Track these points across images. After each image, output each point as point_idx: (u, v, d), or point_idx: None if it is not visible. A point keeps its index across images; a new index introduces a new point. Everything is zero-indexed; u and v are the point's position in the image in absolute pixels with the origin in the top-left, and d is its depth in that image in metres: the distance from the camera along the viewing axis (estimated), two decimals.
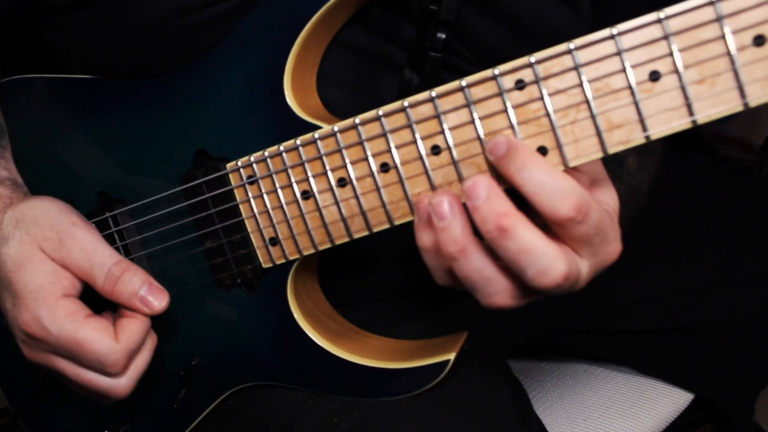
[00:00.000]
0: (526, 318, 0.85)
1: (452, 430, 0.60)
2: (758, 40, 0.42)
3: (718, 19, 0.43)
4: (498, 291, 0.47)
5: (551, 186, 0.44)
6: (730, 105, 0.44)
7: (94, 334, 0.55)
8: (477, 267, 0.46)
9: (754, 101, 0.44)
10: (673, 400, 0.96)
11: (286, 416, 0.65)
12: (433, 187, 0.52)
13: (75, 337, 0.55)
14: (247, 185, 0.59)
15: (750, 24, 0.42)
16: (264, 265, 0.61)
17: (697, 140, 1.96)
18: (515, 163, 0.45)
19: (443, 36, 0.56)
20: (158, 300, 0.58)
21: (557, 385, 0.96)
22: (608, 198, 0.50)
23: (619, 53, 0.45)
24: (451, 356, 0.58)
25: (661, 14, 0.44)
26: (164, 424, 0.71)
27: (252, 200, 0.59)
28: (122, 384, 0.59)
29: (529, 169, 0.44)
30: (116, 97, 0.66)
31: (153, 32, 0.57)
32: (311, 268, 0.65)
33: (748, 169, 1.86)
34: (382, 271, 0.72)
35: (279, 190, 0.57)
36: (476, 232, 0.47)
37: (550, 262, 0.44)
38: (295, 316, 0.61)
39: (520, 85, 0.48)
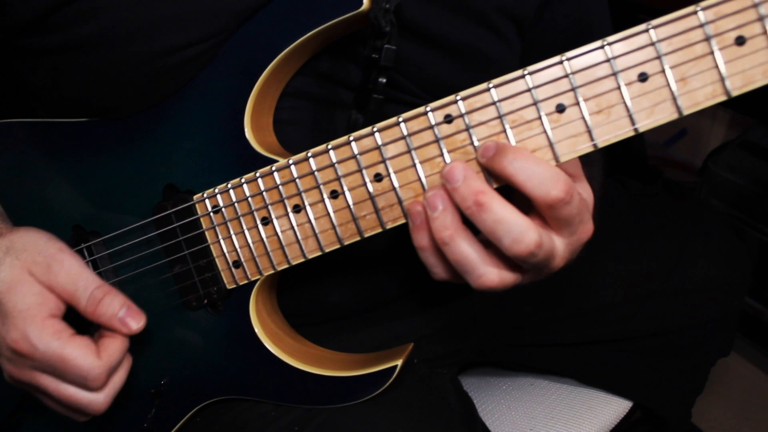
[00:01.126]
0: (472, 334, 0.92)
1: (398, 427, 0.67)
2: (642, 77, 0.51)
3: (608, 60, 0.51)
4: (486, 272, 0.53)
5: (541, 172, 0.51)
6: (624, 131, 0.52)
7: (78, 351, 0.60)
8: (465, 249, 0.53)
9: (642, 127, 0.52)
10: (613, 407, 1.03)
11: (252, 428, 0.70)
12: (377, 210, 0.59)
13: (60, 354, 0.60)
14: (212, 214, 0.65)
15: (635, 63, 0.51)
16: (228, 286, 0.67)
17: (642, 165, 2.08)
18: (506, 158, 0.52)
19: (384, 80, 0.64)
20: (136, 321, 0.64)
21: (505, 398, 1.02)
22: (584, 191, 0.58)
23: (529, 90, 0.53)
24: (399, 362, 0.64)
25: (563, 57, 0.52)
26: None
27: (217, 227, 0.65)
28: (100, 399, 0.63)
29: (519, 160, 0.51)
30: (89, 139, 0.71)
31: (126, 74, 0.63)
32: (270, 290, 0.71)
33: (689, 191, 1.98)
34: (330, 294, 0.78)
35: (241, 218, 0.64)
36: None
37: (522, 231, 0.51)
38: (258, 332, 0.67)
39: (448, 119, 0.55)
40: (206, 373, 0.71)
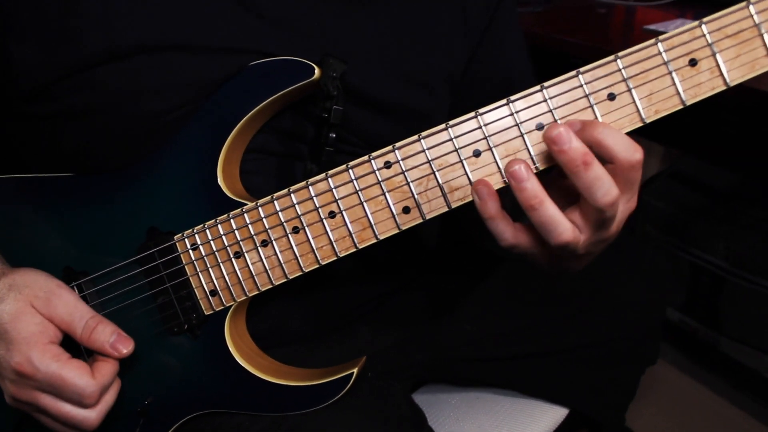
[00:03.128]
0: (418, 351, 1.03)
1: (355, 429, 0.77)
2: (539, 126, 0.64)
3: (512, 114, 0.64)
4: (565, 228, 0.63)
5: (626, 139, 0.61)
6: None
7: (75, 372, 0.70)
8: (551, 211, 0.62)
9: (541, 167, 0.65)
10: (552, 414, 1.13)
11: None
12: (332, 242, 0.70)
13: (60, 374, 0.70)
14: (191, 251, 0.76)
15: (533, 116, 0.64)
16: (206, 312, 0.77)
17: None
18: (596, 128, 0.61)
19: (334, 135, 0.76)
20: (124, 346, 0.74)
21: (454, 411, 1.12)
22: None
23: (451, 139, 0.66)
24: (354, 370, 0.75)
25: (477, 112, 0.65)
26: None
27: (195, 262, 0.76)
28: (93, 416, 0.73)
29: (607, 129, 0.61)
30: (78, 191, 0.80)
31: (118, 134, 0.74)
32: (241, 315, 0.81)
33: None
34: (289, 321, 0.88)
35: (216, 253, 0.75)
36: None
37: (611, 185, 0.61)
38: (232, 352, 0.78)
39: (387, 164, 0.68)
40: (187, 390, 0.81)
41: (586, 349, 1.11)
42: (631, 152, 0.61)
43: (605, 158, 0.61)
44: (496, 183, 0.66)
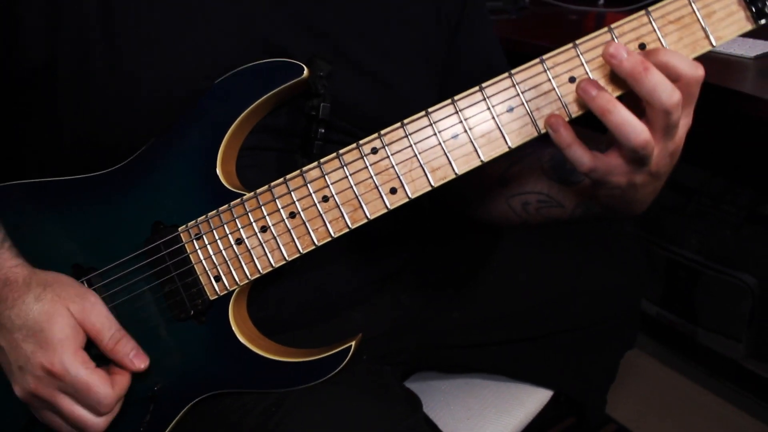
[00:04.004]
0: (409, 337, 1.09)
1: (357, 405, 0.83)
2: (509, 109, 0.71)
3: (484, 99, 0.71)
4: (642, 129, 0.67)
5: (688, 59, 0.67)
6: (501, 149, 0.73)
7: (100, 381, 0.76)
8: (624, 112, 0.67)
9: (513, 144, 0.72)
10: (537, 396, 1.19)
11: (236, 416, 0.85)
12: (326, 223, 0.77)
13: (86, 381, 0.75)
14: (194, 240, 0.82)
15: (504, 99, 0.71)
16: (211, 298, 0.83)
17: None
18: (660, 52, 0.67)
19: (323, 130, 0.82)
20: (142, 361, 0.81)
21: (444, 396, 1.17)
22: None
23: (431, 124, 0.73)
24: (352, 343, 0.82)
25: (452, 99, 0.72)
26: None
27: (199, 251, 0.82)
28: (101, 423, 0.79)
29: (670, 52, 0.67)
30: (83, 192, 0.86)
31: (120, 118, 0.80)
32: (243, 300, 0.87)
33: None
34: (286, 309, 0.94)
35: (218, 241, 0.81)
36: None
37: (673, 89, 0.65)
38: (236, 333, 0.83)
39: (374, 150, 0.75)
40: (194, 374, 0.86)
41: (568, 334, 1.18)
42: (694, 69, 0.67)
43: (672, 78, 0.67)
44: (475, 163, 0.73)
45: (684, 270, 2.03)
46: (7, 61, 0.82)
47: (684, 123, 0.71)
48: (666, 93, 0.66)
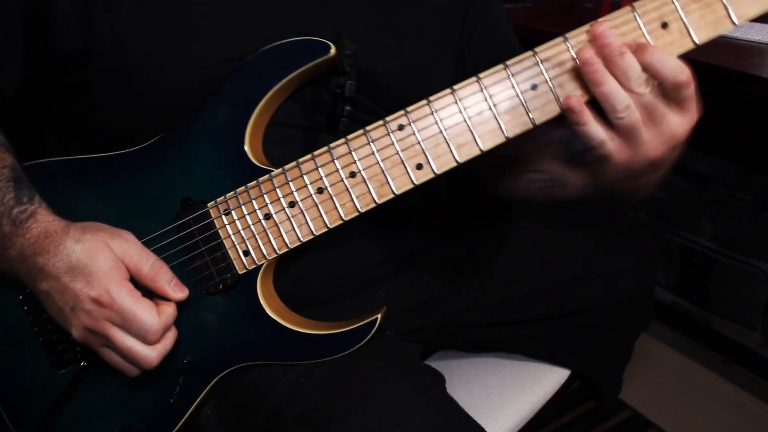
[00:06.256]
0: (431, 315, 1.12)
1: (383, 376, 0.85)
2: (534, 87, 0.73)
3: (509, 77, 0.73)
4: (624, 97, 0.69)
5: (673, 61, 0.68)
6: (526, 126, 0.74)
7: (145, 309, 0.78)
8: (612, 83, 0.69)
9: (538, 121, 0.74)
10: (555, 376, 1.22)
11: (264, 386, 0.88)
12: (353, 198, 0.79)
13: (132, 308, 0.77)
14: (223, 216, 0.84)
15: (530, 77, 0.73)
16: (240, 272, 0.85)
17: None
18: (647, 51, 0.68)
19: (349, 108, 0.84)
20: (181, 290, 0.83)
21: (464, 375, 1.20)
22: None
23: (456, 101, 0.75)
24: (378, 316, 0.84)
25: (477, 77, 0.74)
26: (164, 417, 0.92)
27: (227, 226, 0.84)
28: (153, 355, 0.80)
29: (657, 52, 0.68)
30: (114, 169, 0.88)
31: (153, 101, 0.83)
32: (270, 275, 0.89)
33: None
34: (311, 285, 0.96)
35: (247, 216, 0.83)
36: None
37: (641, 74, 0.69)
38: (264, 306, 0.86)
39: (400, 126, 0.77)
40: (223, 347, 0.89)
41: (584, 314, 1.20)
42: (676, 72, 0.68)
43: (655, 78, 0.69)
44: (500, 140, 0.75)
45: (699, 257, 2.04)
46: (43, 48, 0.85)
47: (682, 122, 0.72)
48: (635, 75, 0.69)
